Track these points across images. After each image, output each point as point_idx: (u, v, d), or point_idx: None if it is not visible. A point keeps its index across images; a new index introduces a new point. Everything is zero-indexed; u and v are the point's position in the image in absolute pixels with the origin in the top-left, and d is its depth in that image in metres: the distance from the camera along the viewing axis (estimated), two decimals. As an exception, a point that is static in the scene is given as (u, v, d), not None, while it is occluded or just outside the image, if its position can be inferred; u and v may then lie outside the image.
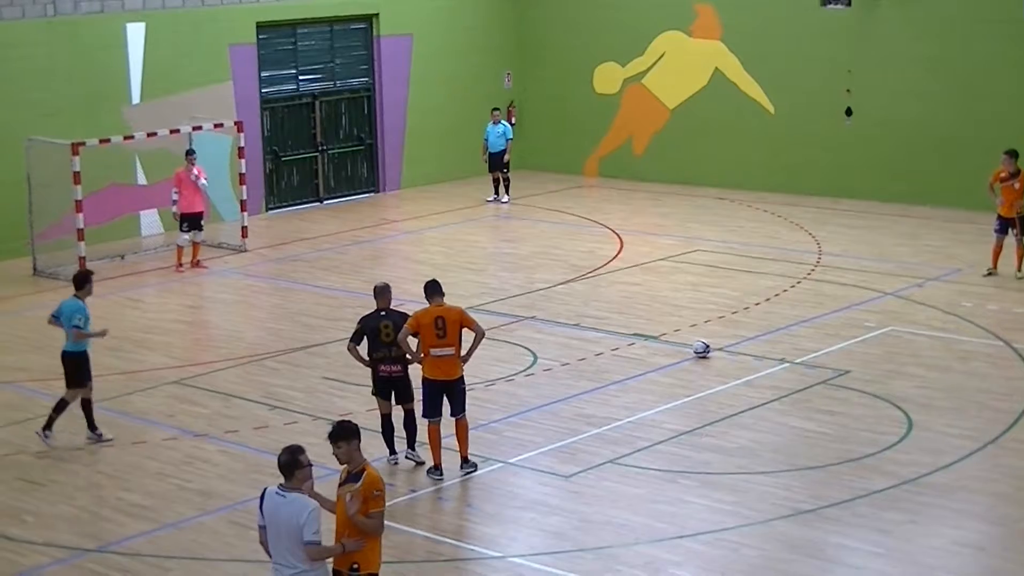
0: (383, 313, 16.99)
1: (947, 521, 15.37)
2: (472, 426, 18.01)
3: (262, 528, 11.24)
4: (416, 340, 16.74)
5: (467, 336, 16.86)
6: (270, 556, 11.22)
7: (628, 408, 19.02)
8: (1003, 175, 25.55)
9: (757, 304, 24.12)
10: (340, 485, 11.54)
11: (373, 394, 17.23)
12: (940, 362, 20.86)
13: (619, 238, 29.62)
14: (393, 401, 17.09)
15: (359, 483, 11.34)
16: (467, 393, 16.96)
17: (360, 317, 17.29)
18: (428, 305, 16.76)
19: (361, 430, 11.59)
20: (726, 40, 34.68)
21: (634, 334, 22.44)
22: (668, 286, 25.58)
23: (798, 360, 20.93)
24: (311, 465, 11.18)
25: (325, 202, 34.41)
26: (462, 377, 16.80)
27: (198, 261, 27.67)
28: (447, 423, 16.76)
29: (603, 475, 16.73)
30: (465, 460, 16.90)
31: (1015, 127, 30.08)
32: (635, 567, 14.31)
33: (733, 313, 23.57)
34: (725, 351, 21.42)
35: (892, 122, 32.48)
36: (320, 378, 20.58)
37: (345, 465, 11.53)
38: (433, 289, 16.84)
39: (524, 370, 20.79)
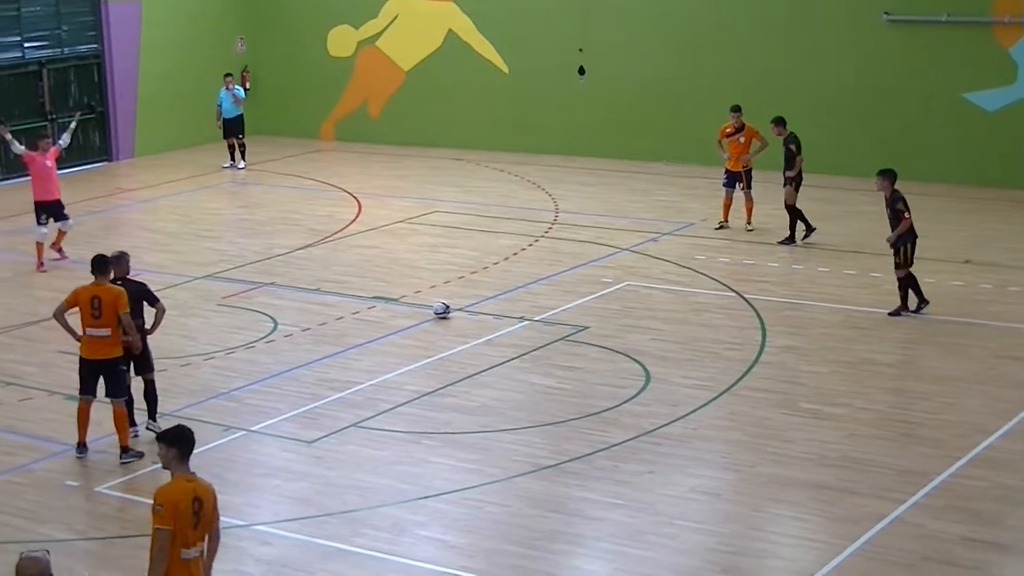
0: (119, 282, 16.65)
1: (684, 470, 15.73)
2: (212, 395, 17.90)
3: None
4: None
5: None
6: None
7: (369, 371, 19.02)
8: (729, 130, 26.21)
9: (496, 263, 24.32)
10: None
11: (108, 366, 16.91)
12: (675, 315, 21.31)
13: (357, 201, 29.56)
14: (132, 372, 16.79)
15: None
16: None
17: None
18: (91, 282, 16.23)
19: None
20: (459, 1, 34.80)
21: (374, 297, 22.44)
22: (407, 248, 25.63)
23: (537, 318, 21.18)
24: None
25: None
26: (118, 359, 16.24)
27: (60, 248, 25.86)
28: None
29: (346, 439, 16.71)
30: (125, 449, 16.22)
31: (740, 83, 30.87)
32: (381, 529, 14.34)
33: (472, 273, 23.73)
34: (465, 311, 21.56)
35: (623, 80, 33.02)
36: (55, 352, 20.05)
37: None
38: (96, 266, 16.22)
39: (264, 337, 20.62)
